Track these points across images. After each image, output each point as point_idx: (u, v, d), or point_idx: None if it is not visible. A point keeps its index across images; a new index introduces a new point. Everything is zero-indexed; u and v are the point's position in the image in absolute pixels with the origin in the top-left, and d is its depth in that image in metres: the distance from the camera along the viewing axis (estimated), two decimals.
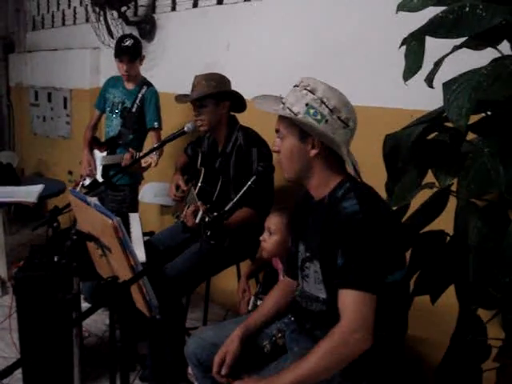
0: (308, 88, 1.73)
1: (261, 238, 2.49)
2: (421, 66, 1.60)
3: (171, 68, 4.35)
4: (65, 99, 5.82)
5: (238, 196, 1.90)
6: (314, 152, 1.75)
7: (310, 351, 1.64)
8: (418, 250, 1.91)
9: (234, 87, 3.02)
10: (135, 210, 3.91)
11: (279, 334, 1.94)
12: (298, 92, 1.75)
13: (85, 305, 3.72)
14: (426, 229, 1.91)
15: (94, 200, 2.03)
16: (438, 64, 1.71)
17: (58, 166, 5.94)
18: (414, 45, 1.59)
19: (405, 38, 1.66)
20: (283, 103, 1.78)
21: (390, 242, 1.68)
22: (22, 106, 6.76)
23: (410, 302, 1.88)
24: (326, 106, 1.70)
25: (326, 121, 1.71)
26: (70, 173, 5.55)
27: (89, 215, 2.02)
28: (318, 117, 1.71)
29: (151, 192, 4.25)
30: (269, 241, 2.46)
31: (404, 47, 1.68)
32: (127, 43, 3.70)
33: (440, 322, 2.29)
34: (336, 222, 1.68)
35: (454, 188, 1.77)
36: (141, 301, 1.91)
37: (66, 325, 1.91)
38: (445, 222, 1.86)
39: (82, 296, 3.65)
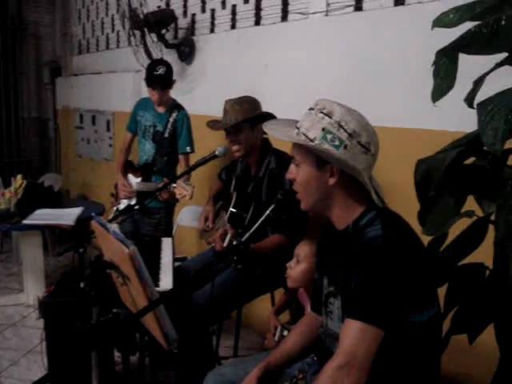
0: (324, 111, 1.60)
1: (287, 264, 2.36)
2: (452, 86, 1.48)
3: (210, 90, 4.30)
4: (108, 122, 5.88)
5: (255, 225, 1.79)
6: (332, 180, 1.61)
7: None
8: (455, 284, 1.75)
9: (270, 109, 2.93)
10: (170, 233, 3.88)
11: (300, 375, 1.79)
12: (314, 115, 1.62)
13: None
14: (464, 261, 1.76)
15: (113, 227, 1.97)
16: (478, 83, 1.59)
17: (101, 188, 5.97)
18: (444, 62, 1.46)
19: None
20: (298, 128, 1.65)
21: (415, 275, 1.51)
22: (68, 128, 6.88)
23: (447, 341, 1.73)
24: (345, 130, 1.56)
25: (345, 146, 1.57)
26: (113, 195, 5.57)
27: (109, 242, 1.97)
28: (336, 142, 1.57)
29: (189, 215, 4.20)
30: (295, 269, 2.33)
31: None
32: (160, 71, 3.67)
33: (479, 362, 2.12)
34: (357, 248, 1.55)
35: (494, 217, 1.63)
36: (158, 332, 1.84)
37: (83, 354, 1.85)
38: (485, 253, 1.71)
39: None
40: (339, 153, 1.56)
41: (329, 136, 1.57)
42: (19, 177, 4.64)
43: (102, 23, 6.11)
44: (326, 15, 3.25)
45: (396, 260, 1.48)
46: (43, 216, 4.13)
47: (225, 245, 2.48)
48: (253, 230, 1.76)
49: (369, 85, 2.97)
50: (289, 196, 1.93)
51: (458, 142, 1.65)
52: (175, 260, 3.08)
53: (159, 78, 3.68)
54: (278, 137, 1.66)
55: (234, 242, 2.35)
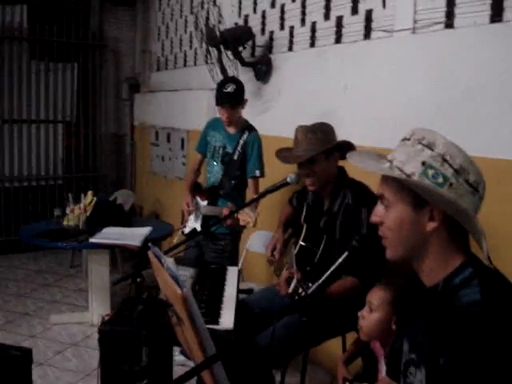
0: (424, 142, 1.34)
1: (359, 313, 2.10)
2: None
3: (285, 111, 4.12)
4: (182, 140, 5.81)
5: (325, 275, 1.55)
6: (432, 225, 1.34)
7: None
8: None
9: (349, 134, 2.70)
10: (236, 261, 3.73)
11: None
12: (410, 147, 1.36)
13: (180, 358, 3.50)
14: None
15: (169, 261, 1.79)
16: None
17: (172, 207, 5.89)
18: None
19: None
20: (390, 161, 1.40)
21: None
22: (144, 145, 6.88)
23: None
24: (450, 166, 1.30)
25: (451, 184, 1.30)
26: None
27: (163, 278, 1.80)
28: (440, 179, 1.31)
29: (259, 241, 4.03)
30: (368, 318, 2.07)
31: None
32: (229, 89, 3.51)
33: None
34: (448, 314, 1.28)
35: None
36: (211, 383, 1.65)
37: None
38: None
39: (179, 349, 3.46)
40: (444, 192, 1.30)
41: (430, 172, 1.31)
42: (89, 193, 4.62)
43: (181, 40, 6.07)
44: (413, 33, 2.99)
45: (496, 334, 1.20)
46: (110, 235, 4.06)
47: (290, 290, 2.25)
48: (322, 279, 1.52)
49: (460, 110, 2.69)
50: (365, 241, 1.66)
51: None
52: (240, 291, 2.89)
53: (228, 96, 3.52)
54: (368, 169, 1.38)
55: (300, 290, 2.10)
